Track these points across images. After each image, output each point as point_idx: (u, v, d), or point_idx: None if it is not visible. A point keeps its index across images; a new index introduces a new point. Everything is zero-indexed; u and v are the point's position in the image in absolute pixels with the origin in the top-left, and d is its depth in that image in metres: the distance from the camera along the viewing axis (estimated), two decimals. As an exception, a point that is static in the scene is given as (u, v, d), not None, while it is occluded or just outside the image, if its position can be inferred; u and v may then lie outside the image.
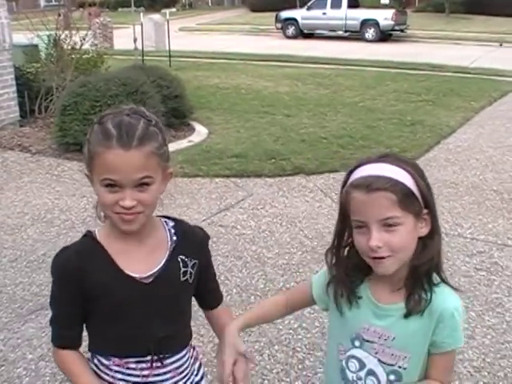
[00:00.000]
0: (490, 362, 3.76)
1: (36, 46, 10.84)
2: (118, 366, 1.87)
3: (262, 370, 3.68)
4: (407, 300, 1.76)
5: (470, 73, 15.79)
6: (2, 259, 5.06)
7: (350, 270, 1.85)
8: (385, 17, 26.19)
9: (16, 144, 8.35)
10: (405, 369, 1.79)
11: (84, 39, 10.18)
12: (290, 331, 4.07)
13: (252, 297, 4.52)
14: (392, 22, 26.27)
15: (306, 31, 28.10)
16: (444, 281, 1.82)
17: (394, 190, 1.68)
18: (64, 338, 1.90)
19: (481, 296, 4.54)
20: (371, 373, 1.84)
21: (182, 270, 1.90)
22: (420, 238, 1.77)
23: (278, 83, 13.93)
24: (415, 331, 1.77)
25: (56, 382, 3.48)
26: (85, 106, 7.80)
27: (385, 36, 26.33)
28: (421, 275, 1.77)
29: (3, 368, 3.68)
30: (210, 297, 2.14)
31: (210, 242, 4.95)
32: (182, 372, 1.95)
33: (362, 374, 1.85)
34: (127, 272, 1.83)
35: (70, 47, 10.14)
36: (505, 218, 6.05)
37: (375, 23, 26.28)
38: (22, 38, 10.61)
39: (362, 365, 1.85)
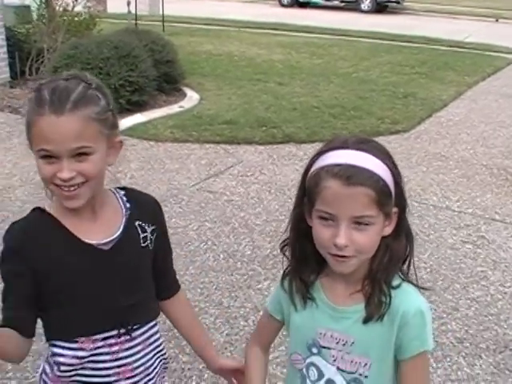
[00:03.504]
0: (473, 333, 3.79)
1: (28, 6, 10.72)
2: (84, 349, 1.74)
3: (247, 335, 3.69)
4: (367, 304, 1.59)
5: (464, 47, 15.71)
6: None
7: (303, 262, 1.68)
8: (381, -12, 25.98)
9: (6, 105, 8.29)
10: (366, 377, 1.63)
11: (76, 0, 10.05)
12: (276, 298, 4.09)
13: (239, 263, 4.53)
14: (388, -6, 26.09)
15: (301, 0, 27.86)
16: (406, 280, 1.64)
17: (375, 187, 1.50)
18: (14, 319, 1.65)
19: (466, 268, 4.57)
20: (330, 382, 1.68)
21: (142, 235, 1.81)
22: (383, 238, 1.59)
23: (272, 51, 13.84)
24: (375, 337, 1.60)
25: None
26: (76, 68, 7.68)
27: (380, 7, 26.10)
28: (380, 278, 1.59)
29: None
30: (170, 278, 2.02)
31: (198, 208, 4.99)
32: (151, 344, 1.87)
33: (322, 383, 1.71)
34: (84, 240, 1.71)
35: (61, 9, 10.01)
36: (493, 193, 6.07)
37: (371, -6, 26.09)
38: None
39: (321, 374, 1.69)
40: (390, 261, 1.60)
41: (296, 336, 1.74)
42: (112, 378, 1.78)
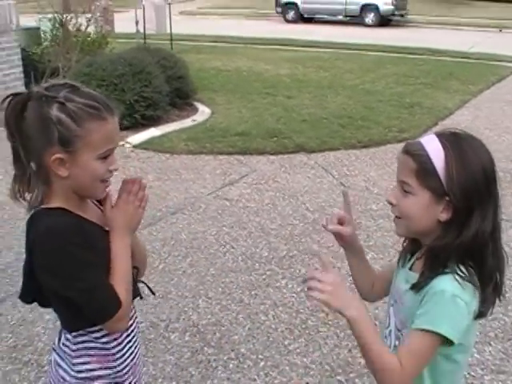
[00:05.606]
0: (482, 323, 3.95)
1: (38, 28, 11.00)
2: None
3: (268, 328, 3.90)
4: (420, 275, 1.74)
5: (469, 57, 15.88)
6: (16, 230, 5.27)
7: None
8: (385, 2, 26.13)
9: (23, 123, 8.52)
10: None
11: (90, 20, 10.33)
12: (294, 294, 4.30)
13: (257, 264, 4.75)
14: (392, 7, 26.24)
15: (306, 15, 28.04)
16: (458, 274, 1.67)
17: (417, 160, 1.69)
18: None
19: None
20: (390, 334, 1.89)
21: None
22: (442, 223, 1.72)
23: (279, 66, 14.07)
24: (412, 305, 1.73)
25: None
26: (92, 85, 7.94)
27: (385, 21, 26.32)
28: (432, 257, 1.72)
29: (22, 327, 3.91)
30: None
31: (216, 214, 5.20)
32: None
33: (387, 332, 1.91)
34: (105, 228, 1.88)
35: (75, 29, 10.30)
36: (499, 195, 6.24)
37: (375, 8, 26.24)
38: (25, 20, 10.76)
39: (388, 323, 1.91)
40: (441, 245, 1.70)
41: (392, 287, 1.95)
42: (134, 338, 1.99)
